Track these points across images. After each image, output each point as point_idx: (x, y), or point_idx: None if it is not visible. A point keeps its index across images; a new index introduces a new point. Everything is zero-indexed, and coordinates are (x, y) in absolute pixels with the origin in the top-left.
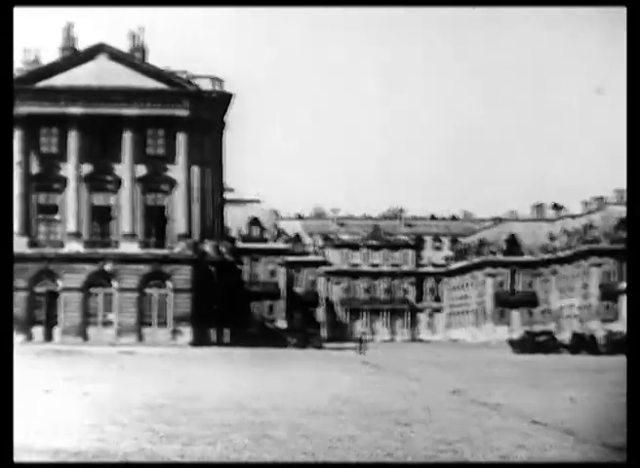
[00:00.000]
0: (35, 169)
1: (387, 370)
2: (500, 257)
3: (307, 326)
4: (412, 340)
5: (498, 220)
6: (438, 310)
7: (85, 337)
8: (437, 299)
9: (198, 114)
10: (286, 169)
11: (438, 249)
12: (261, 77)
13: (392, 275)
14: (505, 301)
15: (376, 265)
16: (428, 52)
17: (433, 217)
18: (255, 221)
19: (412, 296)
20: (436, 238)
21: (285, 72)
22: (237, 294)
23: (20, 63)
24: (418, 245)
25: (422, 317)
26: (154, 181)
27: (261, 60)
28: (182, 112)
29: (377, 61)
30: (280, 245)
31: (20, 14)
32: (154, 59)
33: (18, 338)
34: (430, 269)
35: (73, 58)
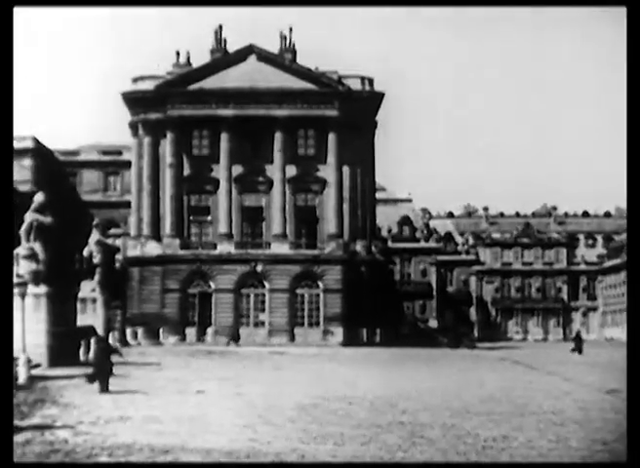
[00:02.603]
0: (187, 171)
1: (540, 370)
2: None
3: (459, 325)
4: (565, 340)
5: None
6: (592, 309)
7: (238, 338)
8: (591, 298)
9: (349, 114)
10: (437, 167)
11: (591, 246)
12: (412, 76)
13: (545, 274)
14: None
15: (528, 264)
16: (580, 50)
17: (586, 214)
18: (406, 220)
19: (565, 295)
20: (589, 236)
21: (435, 71)
22: (389, 294)
23: (171, 67)
24: (571, 243)
25: (576, 316)
26: (305, 182)
27: (411, 59)
28: (333, 112)
29: (524, 58)
30: (431, 244)
31: (170, 19)
32: (304, 59)
33: (171, 339)
34: (584, 267)
35: (224, 60)
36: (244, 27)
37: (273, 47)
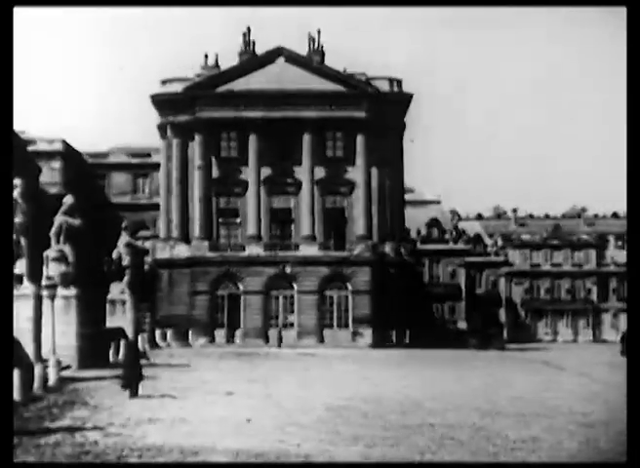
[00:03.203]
0: (215, 173)
1: (570, 371)
2: None
3: (489, 327)
4: (595, 341)
5: None
6: (623, 310)
7: (266, 340)
8: (621, 299)
9: (377, 115)
10: (466, 169)
11: (621, 248)
12: (440, 77)
13: (574, 275)
14: None
15: (557, 265)
16: (597, 50)
17: (616, 216)
18: (434, 222)
19: (595, 297)
20: (619, 237)
21: (463, 72)
22: (417, 296)
23: (199, 69)
24: (600, 244)
25: (606, 317)
26: (333, 183)
27: (440, 61)
28: (361, 114)
29: (547, 61)
30: (460, 246)
31: (198, 22)
32: (331, 61)
33: (200, 341)
34: (613, 269)
35: (252, 62)
36: (270, 30)
37: (302, 49)
